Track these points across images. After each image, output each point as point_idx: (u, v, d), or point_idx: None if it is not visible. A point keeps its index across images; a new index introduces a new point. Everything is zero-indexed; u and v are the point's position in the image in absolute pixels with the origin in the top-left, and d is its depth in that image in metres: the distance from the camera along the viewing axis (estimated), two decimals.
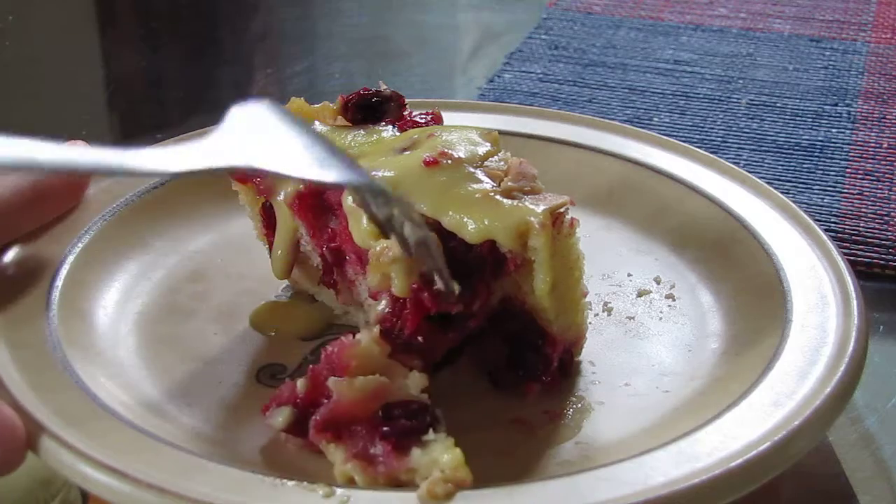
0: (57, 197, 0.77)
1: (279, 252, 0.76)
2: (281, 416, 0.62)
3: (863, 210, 0.99)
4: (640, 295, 0.78)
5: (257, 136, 0.54)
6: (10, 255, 0.74)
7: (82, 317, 0.72)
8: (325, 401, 0.60)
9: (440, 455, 0.57)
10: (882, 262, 0.93)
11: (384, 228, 0.59)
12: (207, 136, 0.54)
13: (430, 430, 0.59)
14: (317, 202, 0.71)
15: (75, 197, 0.79)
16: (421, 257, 0.57)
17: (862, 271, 0.90)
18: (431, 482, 0.56)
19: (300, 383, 0.62)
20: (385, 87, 0.79)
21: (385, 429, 0.59)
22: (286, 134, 0.55)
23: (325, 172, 0.55)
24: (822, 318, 0.68)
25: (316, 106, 0.78)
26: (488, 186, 0.67)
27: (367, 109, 0.78)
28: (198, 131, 0.80)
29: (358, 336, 0.63)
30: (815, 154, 1.09)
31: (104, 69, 1.41)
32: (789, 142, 1.12)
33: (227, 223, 0.83)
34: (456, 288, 0.58)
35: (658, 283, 0.78)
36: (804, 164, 1.07)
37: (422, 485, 0.56)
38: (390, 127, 0.77)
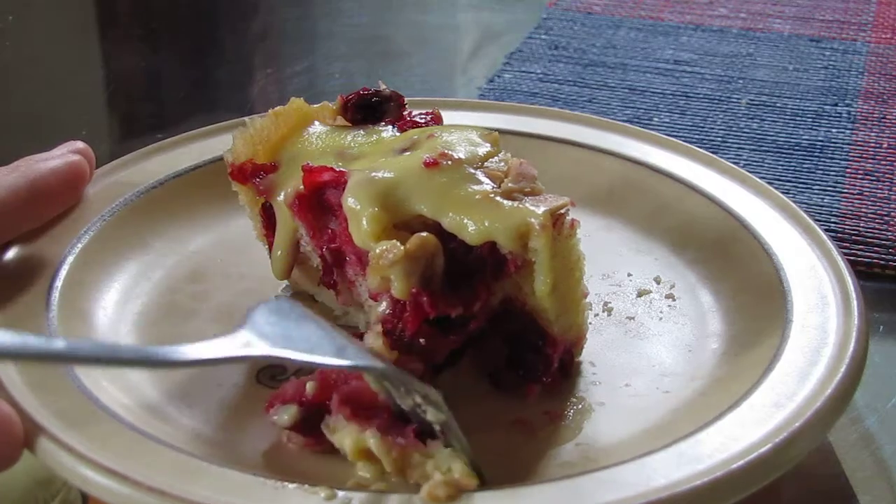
0: (55, 197, 0.77)
1: (279, 252, 0.76)
2: (287, 414, 0.62)
3: (863, 210, 0.99)
4: (640, 295, 0.77)
5: (282, 327, 0.59)
6: (10, 255, 0.74)
7: (82, 317, 0.72)
8: (334, 397, 0.61)
9: (454, 459, 0.58)
10: (882, 262, 0.92)
11: (406, 414, 0.61)
12: (237, 330, 0.58)
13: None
14: (317, 203, 0.71)
15: (73, 196, 0.79)
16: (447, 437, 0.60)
17: (862, 271, 0.90)
18: (433, 484, 0.56)
19: (310, 385, 0.62)
20: (385, 87, 0.79)
21: (408, 425, 0.60)
22: (308, 326, 0.60)
23: (348, 360, 0.59)
24: (822, 319, 0.68)
25: (315, 106, 0.78)
26: (488, 187, 0.67)
27: (367, 109, 0.78)
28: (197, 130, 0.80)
29: (365, 339, 0.63)
30: (815, 154, 1.09)
31: (104, 69, 1.41)
32: (789, 142, 1.11)
33: (227, 223, 0.83)
34: (482, 477, 0.59)
35: (658, 283, 0.78)
36: (804, 164, 1.07)
37: (424, 487, 0.56)
38: (390, 127, 0.77)
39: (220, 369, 0.69)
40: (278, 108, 0.77)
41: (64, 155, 0.77)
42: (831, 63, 1.30)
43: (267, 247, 0.78)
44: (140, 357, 0.59)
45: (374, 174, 0.68)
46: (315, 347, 0.58)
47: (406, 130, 0.76)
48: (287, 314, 0.60)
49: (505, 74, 1.27)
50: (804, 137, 1.12)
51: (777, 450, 0.58)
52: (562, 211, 0.66)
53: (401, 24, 1.53)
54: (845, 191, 1.02)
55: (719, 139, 1.12)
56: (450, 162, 0.68)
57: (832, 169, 1.06)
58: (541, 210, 0.65)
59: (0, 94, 1.20)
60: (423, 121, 0.77)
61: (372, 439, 0.59)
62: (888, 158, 1.08)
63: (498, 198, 0.66)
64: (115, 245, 0.78)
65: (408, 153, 0.72)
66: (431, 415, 0.59)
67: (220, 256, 0.81)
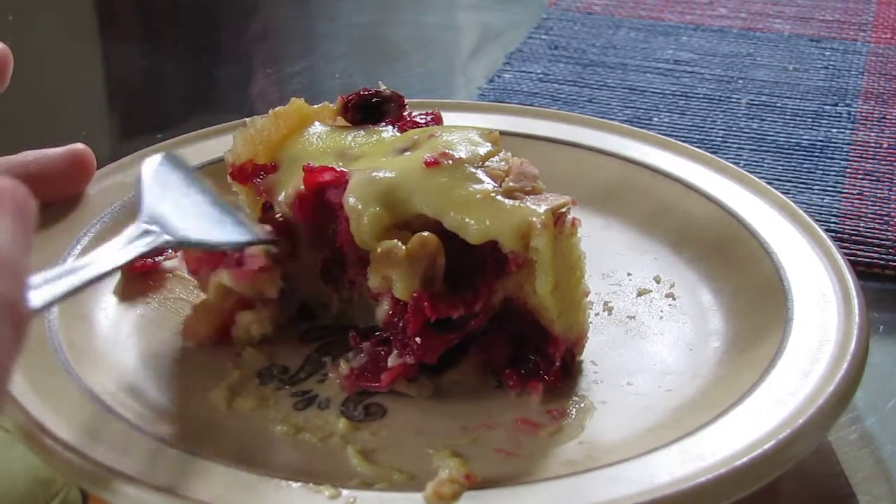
0: (52, 182, 0.77)
1: None
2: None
3: (863, 210, 0.99)
4: (640, 294, 0.78)
5: (171, 204, 0.66)
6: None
7: (83, 320, 0.71)
8: None
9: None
10: (882, 262, 0.92)
11: None
12: (139, 222, 0.63)
13: None
14: (318, 203, 0.71)
15: (74, 183, 0.79)
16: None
17: (862, 271, 0.90)
18: (438, 482, 0.56)
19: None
20: (385, 87, 0.79)
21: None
22: (189, 196, 0.68)
23: (233, 237, 0.68)
24: (822, 317, 0.68)
25: (316, 106, 0.78)
26: (489, 187, 0.67)
27: (367, 110, 0.78)
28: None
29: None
30: (815, 154, 1.09)
31: (104, 69, 1.41)
32: (789, 142, 1.11)
33: None
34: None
35: (658, 282, 0.79)
36: (804, 164, 1.07)
37: (428, 485, 0.57)
38: (390, 127, 0.77)
39: (223, 369, 0.69)
40: (278, 108, 0.77)
41: (67, 147, 0.78)
42: (831, 63, 1.30)
43: None
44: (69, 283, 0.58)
45: (375, 174, 0.68)
46: (202, 226, 0.66)
47: (406, 130, 0.76)
48: (170, 185, 0.67)
49: (505, 74, 1.27)
50: (804, 137, 1.12)
51: (780, 447, 0.58)
52: (563, 210, 0.66)
53: (401, 24, 1.53)
54: (845, 191, 1.02)
55: (719, 139, 1.12)
56: (451, 161, 0.69)
57: (832, 169, 1.06)
58: (542, 209, 0.65)
59: (0, 95, 1.20)
60: (423, 121, 0.77)
61: (224, 276, 0.68)
62: (888, 158, 1.08)
63: (499, 197, 0.66)
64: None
65: (408, 153, 0.72)
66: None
67: None
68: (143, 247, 0.62)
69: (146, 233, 0.62)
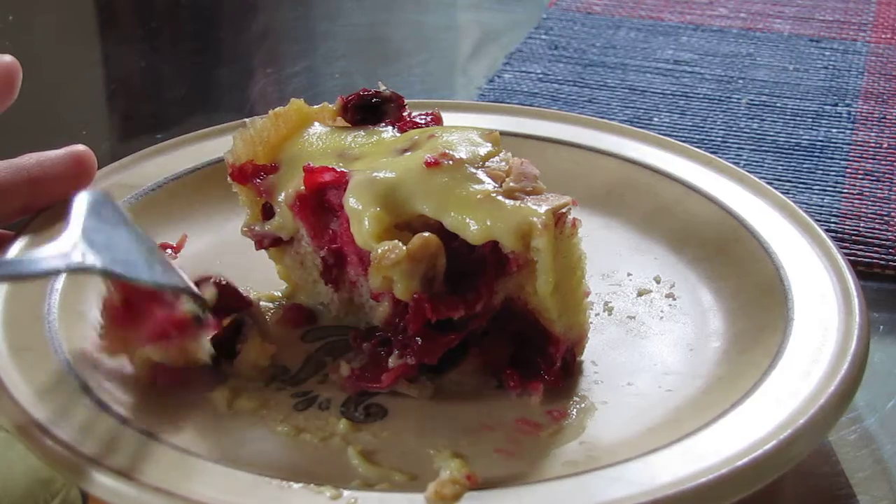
0: (52, 183, 0.77)
1: None
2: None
3: (863, 210, 0.99)
4: (640, 294, 0.78)
5: (104, 233, 0.63)
6: (11, 256, 0.74)
7: (82, 320, 0.71)
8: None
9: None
10: (882, 262, 0.92)
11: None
12: (64, 234, 0.62)
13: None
14: (318, 203, 0.71)
15: (74, 184, 0.79)
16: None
17: (862, 271, 0.90)
18: (440, 483, 0.56)
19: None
20: (384, 87, 0.79)
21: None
22: (121, 232, 0.66)
23: (154, 274, 0.65)
24: (823, 317, 0.68)
25: (315, 107, 0.78)
26: (490, 187, 0.67)
27: (367, 110, 0.78)
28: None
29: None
30: (815, 154, 1.09)
31: (104, 69, 1.41)
32: (789, 142, 1.11)
33: (225, 226, 0.83)
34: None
35: (658, 282, 0.79)
36: (804, 164, 1.07)
37: (430, 486, 0.57)
38: (390, 128, 0.77)
39: (223, 370, 0.69)
40: (278, 108, 0.77)
41: (68, 148, 0.78)
42: (831, 63, 1.30)
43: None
44: None
45: (375, 174, 0.68)
46: (131, 261, 0.64)
47: (406, 131, 0.76)
48: (106, 218, 0.65)
49: (505, 74, 1.27)
50: (804, 137, 1.12)
51: (781, 447, 0.58)
52: (563, 210, 0.66)
53: (401, 24, 1.53)
54: (845, 191, 1.02)
55: (719, 139, 1.12)
56: (451, 162, 0.68)
57: (832, 169, 1.06)
58: (543, 209, 0.65)
59: None
60: (423, 121, 0.77)
61: (150, 350, 0.65)
62: (888, 158, 1.08)
63: (499, 197, 0.66)
64: None
65: (409, 153, 0.72)
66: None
67: (220, 258, 0.81)
68: (75, 266, 0.60)
69: (80, 253, 0.60)
